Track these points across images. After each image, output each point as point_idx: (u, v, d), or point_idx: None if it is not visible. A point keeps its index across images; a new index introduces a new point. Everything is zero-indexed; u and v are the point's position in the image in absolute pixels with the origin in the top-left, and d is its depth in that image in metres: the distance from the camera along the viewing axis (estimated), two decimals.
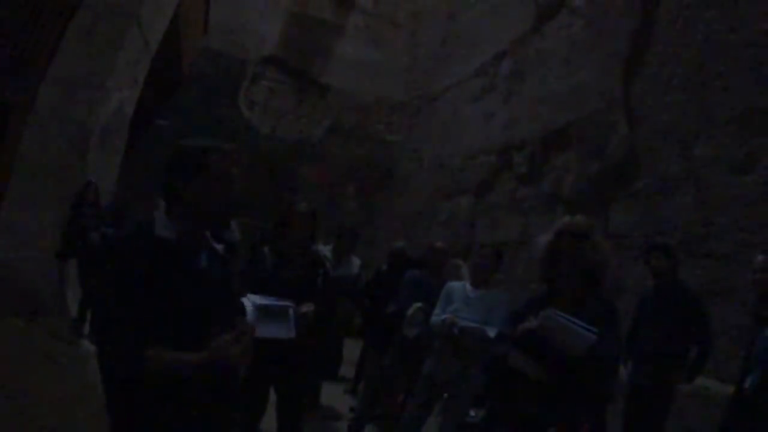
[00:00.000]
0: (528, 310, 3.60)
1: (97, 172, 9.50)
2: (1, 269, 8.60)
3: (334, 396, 8.68)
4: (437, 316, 6.02)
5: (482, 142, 14.52)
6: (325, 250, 7.51)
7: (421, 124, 18.81)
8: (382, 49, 19.81)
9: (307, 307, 4.77)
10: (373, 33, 19.92)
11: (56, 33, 9.26)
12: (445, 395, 6.15)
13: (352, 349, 9.77)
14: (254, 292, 4.64)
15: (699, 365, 6.31)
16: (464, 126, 15.75)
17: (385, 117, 19.74)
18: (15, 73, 9.05)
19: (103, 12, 9.54)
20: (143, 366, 2.25)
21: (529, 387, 3.40)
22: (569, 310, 3.31)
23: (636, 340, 6.54)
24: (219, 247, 2.69)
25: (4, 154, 8.98)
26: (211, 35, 17.70)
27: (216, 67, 18.31)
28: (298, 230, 5.21)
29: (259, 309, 4.51)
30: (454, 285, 6.26)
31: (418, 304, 6.73)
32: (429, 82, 18.70)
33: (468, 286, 6.10)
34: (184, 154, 2.62)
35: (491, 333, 5.57)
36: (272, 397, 5.12)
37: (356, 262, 8.64)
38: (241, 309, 3.41)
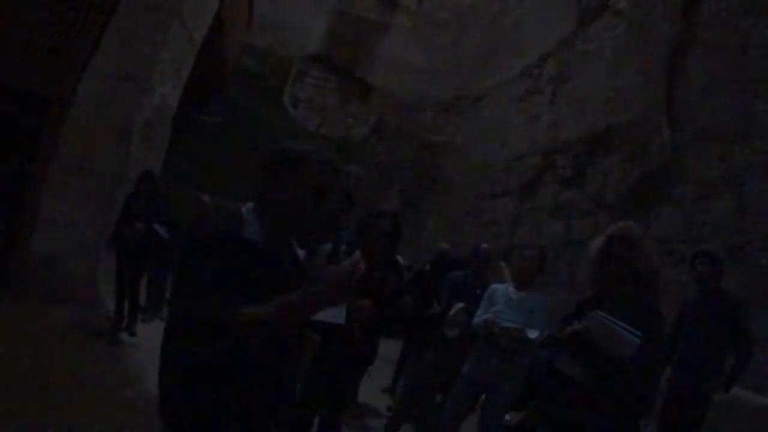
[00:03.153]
0: (577, 313, 3.59)
1: (139, 166, 9.55)
2: (42, 261, 8.70)
3: (371, 394, 8.68)
4: (479, 317, 6.00)
5: (526, 144, 14.50)
6: (401, 259, 7.48)
7: (465, 124, 18.79)
8: (426, 49, 19.82)
9: (367, 301, 4.76)
10: (418, 33, 19.94)
11: (98, 26, 9.33)
12: (483, 396, 6.13)
13: (391, 348, 9.77)
14: None
15: (736, 375, 6.23)
16: (508, 127, 15.73)
17: (429, 117, 19.72)
18: (55, 66, 9.13)
19: (146, 6, 9.61)
20: (236, 318, 2.14)
21: (572, 390, 3.38)
22: (617, 315, 3.29)
23: (675, 347, 6.48)
24: (301, 253, 2.62)
25: (45, 147, 9.07)
26: (255, 32, 17.83)
27: (261, 64, 18.43)
28: (379, 243, 5.20)
29: None
30: (498, 286, 6.23)
31: (461, 305, 6.70)
32: (474, 82, 18.69)
33: (511, 288, 6.07)
34: (282, 154, 2.50)
35: (532, 335, 5.56)
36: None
37: (400, 260, 8.62)
38: None
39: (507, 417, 5.95)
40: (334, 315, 4.37)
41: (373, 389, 8.98)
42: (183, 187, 13.49)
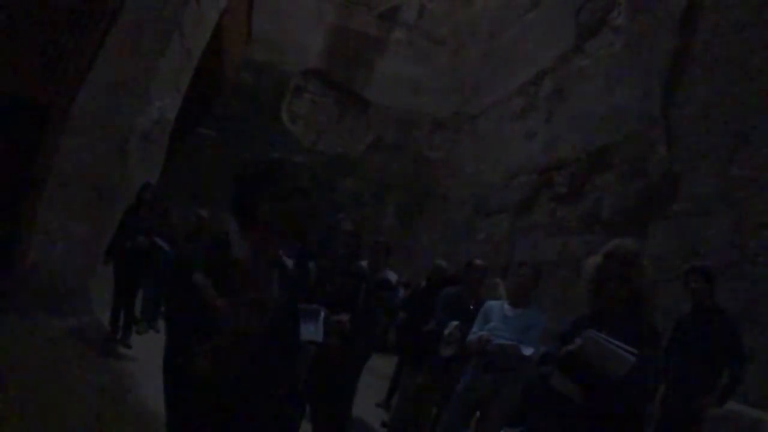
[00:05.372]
0: (574, 331, 3.58)
1: (136, 179, 9.56)
2: (38, 271, 8.69)
3: (366, 410, 8.65)
4: (474, 334, 5.99)
5: (523, 161, 14.51)
6: (394, 275, 7.50)
7: (462, 141, 18.84)
8: (424, 65, 19.88)
9: (343, 316, 4.76)
10: (416, 49, 20.00)
11: (97, 37, 9.35)
12: (478, 413, 6.12)
13: (385, 364, 9.75)
14: None
15: (730, 389, 6.24)
16: (505, 144, 15.75)
17: (426, 134, 19.77)
18: (54, 76, 9.14)
19: (145, 19, 9.63)
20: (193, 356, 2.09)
21: (567, 408, 3.38)
22: (614, 332, 3.29)
23: (670, 363, 6.48)
24: (289, 262, 2.61)
25: (43, 157, 9.07)
26: (253, 47, 17.86)
27: (259, 79, 18.45)
28: (342, 248, 5.23)
29: None
30: (493, 303, 6.23)
31: (455, 323, 6.69)
32: (470, 99, 18.74)
33: (506, 305, 6.07)
34: (254, 170, 2.50)
35: (526, 351, 5.56)
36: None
37: (392, 276, 8.61)
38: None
39: None
40: (311, 333, 4.36)
41: (368, 405, 8.95)
42: (180, 200, 13.49)
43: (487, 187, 16.03)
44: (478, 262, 7.66)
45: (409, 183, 19.22)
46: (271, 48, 18.52)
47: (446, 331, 6.74)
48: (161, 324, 10.29)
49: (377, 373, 9.86)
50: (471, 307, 6.71)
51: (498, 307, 6.12)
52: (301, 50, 18.94)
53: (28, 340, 7.45)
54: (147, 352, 8.21)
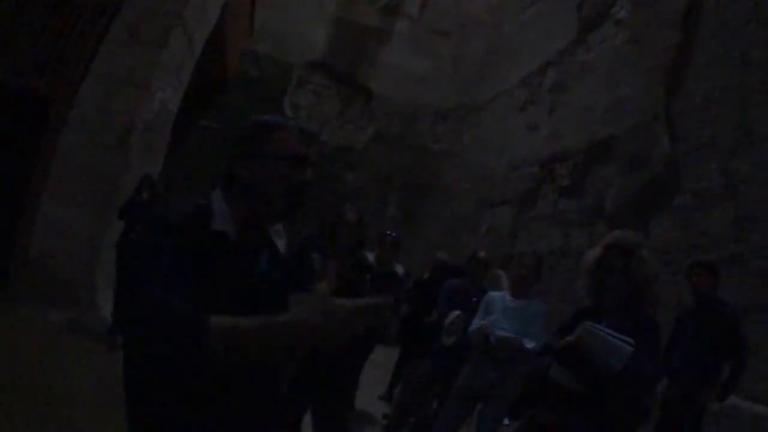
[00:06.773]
0: (574, 323, 3.58)
1: (138, 171, 9.54)
2: (40, 263, 8.69)
3: (367, 401, 8.65)
4: (475, 326, 5.98)
5: (526, 154, 14.49)
6: (370, 256, 7.48)
7: (465, 133, 18.82)
8: (427, 57, 19.82)
9: None
10: (419, 41, 19.95)
11: (99, 29, 9.35)
12: (479, 405, 6.11)
13: (387, 356, 9.74)
14: None
15: (732, 384, 6.24)
16: (508, 136, 15.73)
17: (429, 125, 19.73)
18: (57, 68, 9.14)
19: (147, 11, 9.63)
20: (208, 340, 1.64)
21: (567, 399, 3.38)
22: (614, 324, 3.29)
23: (672, 356, 6.47)
24: (281, 243, 2.38)
25: (45, 149, 9.07)
26: (256, 39, 17.83)
27: (261, 70, 18.41)
28: (346, 237, 5.21)
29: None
30: (494, 295, 6.21)
31: (457, 313, 6.70)
32: (474, 91, 18.71)
33: (507, 297, 6.05)
34: (246, 130, 2.24)
35: (528, 344, 5.54)
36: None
37: (400, 269, 8.61)
38: None
39: (506, 422, 5.95)
40: None
41: (370, 396, 8.95)
42: (182, 192, 13.47)
43: (490, 179, 16.03)
44: (481, 254, 7.67)
45: (412, 175, 19.18)
46: (273, 40, 18.48)
47: (447, 321, 6.75)
48: None
49: (379, 365, 9.86)
50: (474, 299, 6.70)
51: (500, 298, 6.10)
52: (303, 42, 18.91)
53: (31, 332, 7.46)
54: None
